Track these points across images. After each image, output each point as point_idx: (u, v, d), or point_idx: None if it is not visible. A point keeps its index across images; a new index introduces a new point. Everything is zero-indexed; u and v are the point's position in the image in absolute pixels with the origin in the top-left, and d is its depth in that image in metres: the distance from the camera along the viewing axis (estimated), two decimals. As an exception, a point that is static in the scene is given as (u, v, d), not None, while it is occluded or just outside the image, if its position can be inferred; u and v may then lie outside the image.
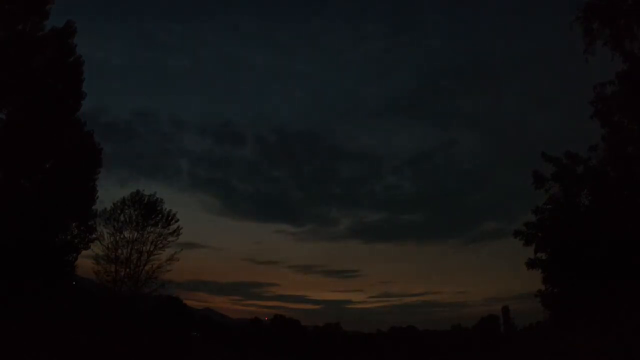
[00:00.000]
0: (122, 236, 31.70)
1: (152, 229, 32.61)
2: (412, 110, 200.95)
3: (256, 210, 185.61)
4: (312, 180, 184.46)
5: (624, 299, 21.31)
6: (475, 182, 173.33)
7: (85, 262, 28.78)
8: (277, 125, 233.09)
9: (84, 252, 25.02)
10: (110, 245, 31.08)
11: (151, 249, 32.23)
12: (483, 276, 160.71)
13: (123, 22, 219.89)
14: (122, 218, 31.97)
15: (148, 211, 32.75)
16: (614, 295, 21.83)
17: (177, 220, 33.42)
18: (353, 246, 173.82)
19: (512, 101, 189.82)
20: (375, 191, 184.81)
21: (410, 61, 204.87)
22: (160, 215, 33.06)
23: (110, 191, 50.62)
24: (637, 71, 16.78)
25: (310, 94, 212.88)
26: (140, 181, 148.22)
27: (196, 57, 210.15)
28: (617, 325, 21.48)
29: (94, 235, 25.83)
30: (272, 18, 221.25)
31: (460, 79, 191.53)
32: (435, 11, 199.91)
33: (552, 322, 31.42)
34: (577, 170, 26.40)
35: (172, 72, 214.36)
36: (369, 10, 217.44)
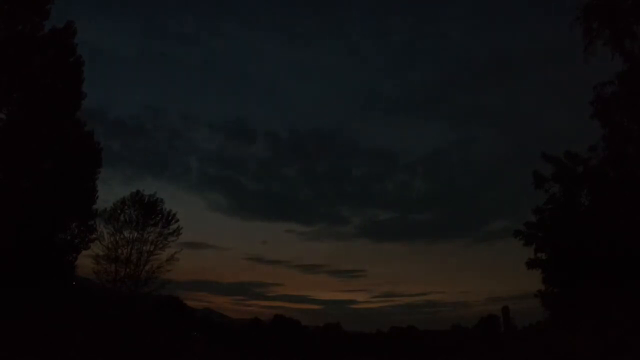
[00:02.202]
0: (122, 236, 31.74)
1: (152, 229, 32.66)
2: (430, 106, 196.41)
3: (266, 210, 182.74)
4: (324, 178, 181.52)
5: (624, 299, 21.31)
6: (489, 180, 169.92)
7: (85, 262, 28.79)
8: (291, 121, 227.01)
9: (84, 252, 25.06)
10: (110, 245, 31.09)
11: (151, 249, 32.26)
12: (489, 275, 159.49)
13: (133, 12, 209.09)
14: (122, 218, 32.01)
15: (148, 211, 32.76)
16: (613, 295, 21.83)
17: (177, 221, 33.48)
18: (362, 245, 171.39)
19: (532, 98, 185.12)
20: (387, 190, 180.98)
21: (430, 55, 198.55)
22: (160, 215, 33.09)
23: (115, 189, 50.55)
24: (637, 71, 16.77)
25: (327, 88, 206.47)
26: (147, 179, 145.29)
27: (210, 49, 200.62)
28: (617, 325, 21.48)
29: (94, 235, 25.87)
30: (291, 8, 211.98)
31: (480, 74, 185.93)
32: (458, 4, 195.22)
33: (552, 322, 31.41)
34: (577, 170, 26.41)
35: (184, 65, 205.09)
36: (392, 2, 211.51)
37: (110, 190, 46.19)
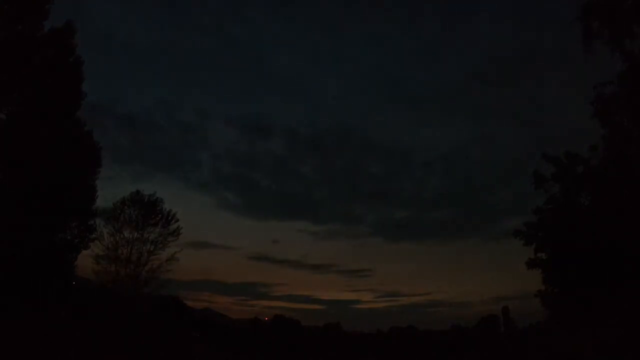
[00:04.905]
0: (122, 236, 31.77)
1: (152, 229, 32.69)
2: (454, 101, 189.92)
3: (278, 208, 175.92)
4: (340, 176, 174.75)
5: (624, 299, 21.32)
6: (506, 178, 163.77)
7: (85, 262, 28.78)
8: (309, 116, 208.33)
9: (84, 252, 25.07)
10: (110, 245, 31.11)
11: (151, 249, 32.28)
12: (495, 275, 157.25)
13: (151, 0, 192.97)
14: (122, 218, 32.03)
15: (148, 211, 32.79)
16: (613, 295, 21.84)
17: (177, 220, 33.54)
18: (373, 245, 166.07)
19: (555, 94, 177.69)
20: (403, 188, 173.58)
21: (458, 49, 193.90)
22: (160, 215, 33.11)
23: (124, 187, 49.66)
24: (637, 71, 16.76)
25: (349, 81, 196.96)
26: (158, 176, 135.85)
27: (228, 41, 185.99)
28: (617, 324, 21.49)
29: (93, 235, 25.88)
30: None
31: (505, 70, 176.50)
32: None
33: (552, 322, 31.43)
34: (577, 170, 26.44)
35: (201, 56, 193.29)
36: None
37: (117, 189, 45.96)
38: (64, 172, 21.07)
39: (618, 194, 21.66)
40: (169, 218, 33.26)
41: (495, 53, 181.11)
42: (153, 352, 29.08)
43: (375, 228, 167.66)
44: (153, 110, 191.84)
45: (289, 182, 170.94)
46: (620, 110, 19.11)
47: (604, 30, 16.03)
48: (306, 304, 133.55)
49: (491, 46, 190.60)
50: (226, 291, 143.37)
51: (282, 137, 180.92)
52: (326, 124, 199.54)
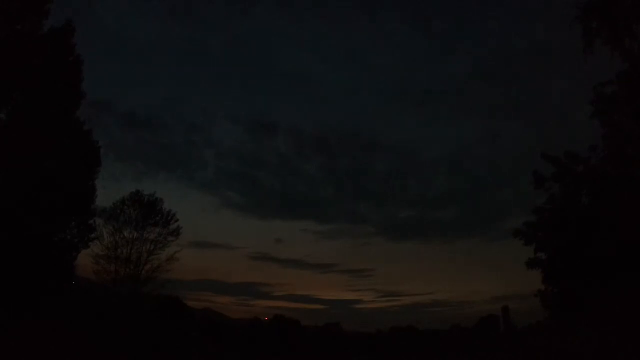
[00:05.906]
0: (122, 236, 31.79)
1: (151, 229, 32.74)
2: (460, 99, 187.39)
3: (282, 208, 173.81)
4: (346, 175, 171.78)
5: (624, 299, 21.31)
6: (512, 176, 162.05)
7: (85, 262, 28.79)
8: (314, 115, 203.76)
9: (84, 252, 25.09)
10: (110, 245, 31.14)
11: (151, 249, 32.32)
12: (498, 274, 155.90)
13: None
14: (121, 218, 32.06)
15: (148, 211, 32.83)
16: (614, 295, 21.83)
17: (177, 220, 33.60)
18: (378, 244, 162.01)
19: (564, 91, 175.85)
20: (409, 187, 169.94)
21: (464, 47, 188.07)
22: (160, 215, 33.16)
23: (126, 186, 49.40)
24: (637, 71, 16.77)
25: (355, 80, 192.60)
26: (160, 175, 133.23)
27: (235, 36, 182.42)
28: (617, 325, 21.48)
29: (93, 235, 25.90)
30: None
31: (515, 66, 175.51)
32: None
33: (552, 322, 31.40)
34: (577, 170, 26.41)
35: (206, 53, 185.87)
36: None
37: (120, 187, 45.90)
38: (64, 172, 21.08)
39: (618, 194, 21.65)
40: (169, 218, 33.35)
41: (502, 51, 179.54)
42: (153, 353, 29.07)
43: (380, 228, 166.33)
44: (157, 108, 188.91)
45: (293, 181, 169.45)
46: (620, 110, 19.12)
47: (604, 30, 16.04)
48: (308, 304, 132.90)
49: (498, 44, 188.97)
50: (227, 291, 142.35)
51: (287, 135, 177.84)
52: (332, 123, 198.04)
